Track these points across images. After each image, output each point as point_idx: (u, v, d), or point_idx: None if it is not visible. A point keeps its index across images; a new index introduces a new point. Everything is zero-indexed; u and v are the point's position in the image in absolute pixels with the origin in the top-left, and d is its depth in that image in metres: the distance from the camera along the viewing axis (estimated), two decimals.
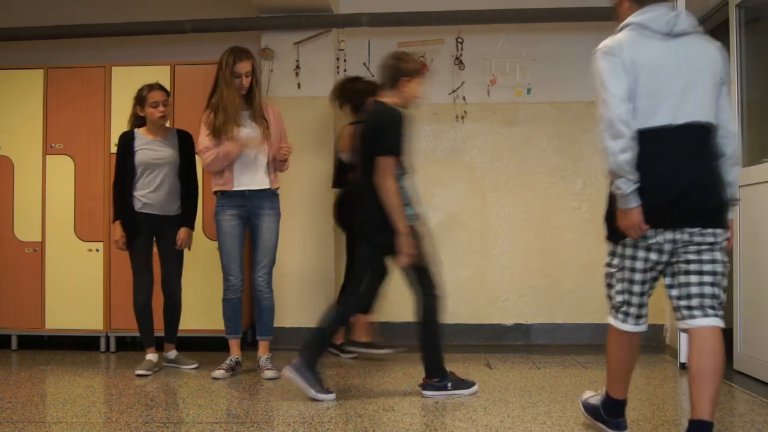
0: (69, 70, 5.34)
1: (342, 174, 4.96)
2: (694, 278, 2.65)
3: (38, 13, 6.01)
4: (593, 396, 3.11)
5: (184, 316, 5.14)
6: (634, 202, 2.62)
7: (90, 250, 5.24)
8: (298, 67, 5.46)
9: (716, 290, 2.65)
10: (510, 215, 5.68)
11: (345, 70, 5.54)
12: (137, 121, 4.58)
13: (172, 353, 4.69)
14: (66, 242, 5.25)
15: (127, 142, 4.53)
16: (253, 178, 4.37)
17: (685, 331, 2.69)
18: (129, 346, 5.53)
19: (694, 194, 2.62)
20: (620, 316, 2.81)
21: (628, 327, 2.81)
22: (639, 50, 2.66)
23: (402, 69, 3.82)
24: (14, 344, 5.34)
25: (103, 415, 3.54)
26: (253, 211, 4.39)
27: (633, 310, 2.78)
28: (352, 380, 4.30)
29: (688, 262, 2.65)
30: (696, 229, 2.62)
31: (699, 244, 2.64)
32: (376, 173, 3.66)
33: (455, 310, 5.30)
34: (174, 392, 4.03)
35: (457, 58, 5.52)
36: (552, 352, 5.21)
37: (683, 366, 4.49)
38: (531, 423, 3.29)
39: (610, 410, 2.95)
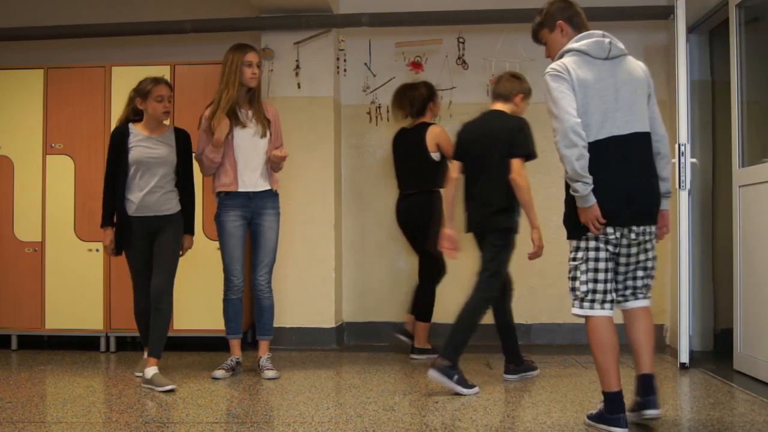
0: (69, 70, 5.34)
1: (434, 174, 4.95)
2: (639, 272, 3.17)
3: (38, 13, 6.01)
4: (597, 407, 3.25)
5: (184, 315, 5.16)
6: (593, 200, 3.03)
7: (90, 250, 5.24)
8: (298, 67, 5.46)
9: (650, 279, 3.20)
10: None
11: (345, 70, 5.54)
12: (134, 116, 4.25)
13: (151, 370, 4.04)
14: (66, 242, 5.25)
15: (120, 137, 4.17)
16: (256, 180, 4.37)
17: (624, 309, 3.20)
18: (129, 346, 5.53)
19: (637, 197, 3.10)
20: (586, 304, 3.13)
21: (598, 312, 3.10)
22: (584, 73, 3.09)
23: (521, 88, 4.29)
24: (14, 344, 5.34)
25: (103, 415, 3.54)
26: (256, 212, 4.39)
27: (599, 296, 3.10)
28: (352, 380, 4.30)
29: (630, 255, 3.14)
30: (640, 228, 3.10)
31: (640, 242, 3.12)
32: (511, 173, 4.02)
33: (455, 310, 5.30)
34: (174, 392, 4.03)
35: (459, 57, 5.51)
36: (552, 352, 5.21)
37: (683, 366, 4.49)
38: (531, 423, 3.29)
39: (611, 407, 3.08)
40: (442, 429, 3.19)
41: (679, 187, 4.56)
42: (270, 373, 4.31)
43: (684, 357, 4.51)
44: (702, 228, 5.16)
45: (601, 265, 3.10)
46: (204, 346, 5.24)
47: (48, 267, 5.26)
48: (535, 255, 4.14)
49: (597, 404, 3.24)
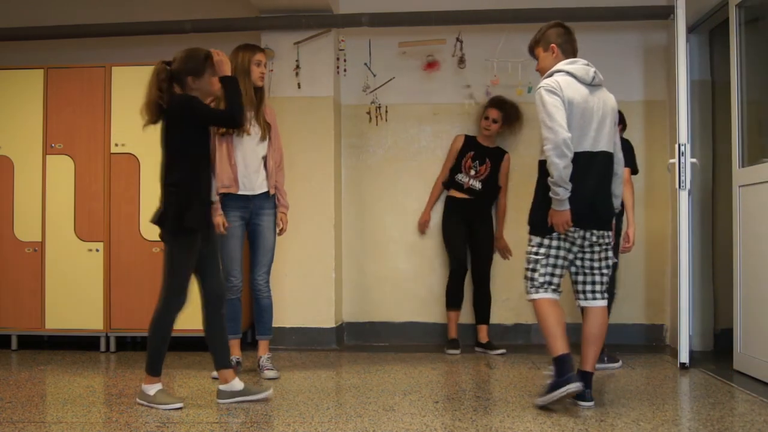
0: (69, 70, 5.34)
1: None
2: (597, 273, 3.62)
3: (38, 13, 6.01)
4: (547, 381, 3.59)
5: (184, 316, 5.16)
6: (567, 205, 3.47)
7: (90, 250, 5.23)
8: (298, 67, 5.46)
9: (606, 279, 3.65)
10: (510, 215, 5.67)
11: (345, 70, 5.54)
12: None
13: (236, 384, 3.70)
14: (66, 242, 5.25)
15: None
16: (255, 182, 4.35)
17: (582, 307, 3.67)
18: (129, 346, 5.53)
19: (599, 205, 3.58)
20: (541, 290, 3.60)
21: (551, 295, 3.60)
22: (573, 92, 3.52)
23: (623, 119, 4.69)
24: (14, 344, 5.34)
25: (103, 415, 3.54)
26: (254, 212, 4.39)
27: (552, 286, 3.61)
28: (352, 380, 4.30)
29: (592, 259, 3.61)
30: (599, 232, 3.57)
31: (599, 244, 3.59)
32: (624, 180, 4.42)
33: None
34: (174, 392, 4.03)
35: (459, 57, 5.51)
36: None
37: (683, 366, 4.49)
38: (531, 423, 3.29)
39: (561, 369, 3.46)
40: (442, 429, 3.19)
41: (679, 187, 4.56)
42: (270, 373, 4.31)
43: (684, 357, 4.51)
44: (702, 228, 5.16)
45: (560, 261, 3.59)
46: (204, 346, 5.22)
47: (48, 267, 5.26)
48: (628, 249, 4.70)
49: (547, 376, 3.61)
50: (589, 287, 3.65)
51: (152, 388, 3.61)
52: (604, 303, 3.65)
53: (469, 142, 5.47)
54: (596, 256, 3.61)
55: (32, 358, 5.06)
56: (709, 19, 4.91)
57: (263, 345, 4.48)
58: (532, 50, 3.82)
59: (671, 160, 4.63)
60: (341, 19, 5.48)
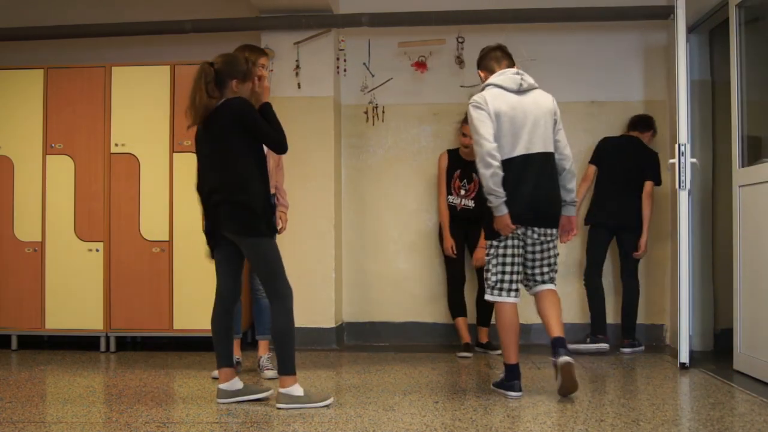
0: (69, 70, 5.34)
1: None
2: (545, 267, 3.90)
3: (38, 13, 6.01)
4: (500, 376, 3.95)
5: (184, 315, 5.18)
6: (504, 210, 3.71)
7: (90, 250, 5.23)
8: (298, 67, 5.46)
9: (553, 272, 3.94)
10: None
11: (345, 70, 5.54)
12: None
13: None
14: (66, 242, 5.25)
15: None
16: None
17: (534, 293, 3.95)
18: (129, 346, 5.53)
19: (540, 204, 3.79)
20: (495, 292, 3.82)
21: (505, 299, 3.81)
22: (500, 103, 3.77)
23: (651, 124, 5.38)
24: (14, 344, 5.34)
25: (103, 415, 3.54)
26: None
27: (506, 285, 3.81)
28: (351, 380, 4.30)
29: (535, 252, 3.87)
30: (542, 230, 3.82)
31: (543, 241, 3.85)
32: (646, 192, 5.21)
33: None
34: (174, 392, 4.03)
35: (457, 57, 5.51)
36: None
37: (683, 366, 4.49)
38: (531, 423, 3.29)
39: (509, 375, 3.81)
40: (442, 429, 3.19)
41: (679, 187, 4.56)
42: (270, 373, 4.31)
43: (684, 357, 4.51)
44: (702, 228, 5.16)
45: (508, 260, 3.81)
46: (204, 346, 5.24)
47: (48, 267, 5.26)
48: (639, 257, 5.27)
49: (500, 375, 3.95)
50: (538, 275, 3.91)
51: (299, 389, 3.56)
52: (551, 286, 3.92)
53: (454, 159, 5.39)
54: (537, 248, 3.86)
55: (32, 358, 5.06)
56: (709, 19, 4.91)
57: (263, 345, 4.49)
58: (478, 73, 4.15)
59: (671, 160, 4.63)
60: (341, 19, 5.48)
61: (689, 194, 4.61)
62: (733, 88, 4.45)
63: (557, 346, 3.75)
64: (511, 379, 3.80)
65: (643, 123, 5.35)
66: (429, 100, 5.72)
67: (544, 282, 3.91)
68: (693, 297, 4.86)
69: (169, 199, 5.19)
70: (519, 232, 3.78)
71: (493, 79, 3.88)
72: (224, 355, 3.71)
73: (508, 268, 3.81)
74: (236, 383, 3.69)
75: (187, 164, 5.16)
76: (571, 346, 4.99)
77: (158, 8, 5.91)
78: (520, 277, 3.85)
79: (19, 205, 5.30)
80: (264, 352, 4.46)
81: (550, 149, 3.85)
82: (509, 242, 3.80)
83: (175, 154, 5.20)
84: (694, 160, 4.60)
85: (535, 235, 3.81)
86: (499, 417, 3.39)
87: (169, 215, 5.19)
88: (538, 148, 3.79)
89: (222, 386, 3.67)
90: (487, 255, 3.87)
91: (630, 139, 5.32)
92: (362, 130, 5.76)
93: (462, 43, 5.49)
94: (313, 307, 5.39)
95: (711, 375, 4.31)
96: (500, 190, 3.69)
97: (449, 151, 5.46)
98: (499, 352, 5.14)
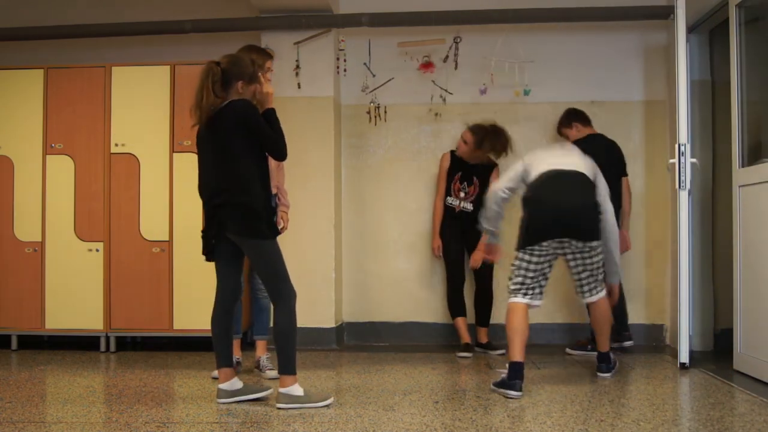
0: (69, 70, 5.34)
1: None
2: (582, 273, 4.14)
3: (38, 13, 6.01)
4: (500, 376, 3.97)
5: (185, 315, 5.18)
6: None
7: (90, 250, 5.23)
8: (298, 67, 5.46)
9: (599, 277, 4.18)
10: (510, 215, 5.67)
11: (345, 70, 5.54)
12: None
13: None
14: (66, 242, 5.25)
15: None
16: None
17: (586, 302, 4.26)
18: (129, 346, 5.53)
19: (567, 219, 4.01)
20: (512, 295, 4.04)
21: (521, 299, 4.01)
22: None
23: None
24: (14, 344, 5.34)
25: (103, 415, 3.54)
26: None
27: (522, 290, 4.02)
28: (352, 380, 4.30)
29: (573, 260, 4.11)
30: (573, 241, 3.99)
31: (576, 251, 4.04)
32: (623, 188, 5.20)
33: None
34: (174, 392, 4.03)
35: (454, 56, 5.51)
36: (552, 352, 5.21)
37: (683, 366, 4.49)
38: (531, 423, 3.29)
39: (512, 373, 3.83)
40: (442, 429, 3.19)
41: (679, 187, 4.56)
42: (271, 373, 4.31)
43: (684, 357, 4.51)
44: (702, 228, 5.16)
45: (531, 266, 4.01)
46: (204, 346, 5.23)
47: (48, 267, 5.26)
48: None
49: (500, 374, 3.99)
50: (585, 285, 4.19)
51: (298, 389, 3.56)
52: (600, 296, 4.21)
53: (456, 161, 5.41)
54: (569, 258, 4.12)
55: (32, 358, 5.06)
56: (709, 19, 4.91)
57: (261, 345, 4.49)
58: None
59: (671, 160, 4.63)
60: (341, 19, 5.48)
61: (689, 194, 4.61)
62: (733, 88, 4.45)
63: (601, 362, 4.32)
64: (512, 378, 3.82)
65: (583, 116, 5.30)
66: (429, 100, 5.71)
67: (592, 293, 4.20)
68: (693, 297, 4.85)
69: (169, 199, 5.19)
70: (542, 245, 3.97)
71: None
72: (224, 355, 3.71)
73: (529, 278, 4.00)
74: (236, 383, 3.69)
75: (187, 164, 5.18)
76: (576, 352, 5.17)
77: (158, 8, 5.91)
78: (537, 283, 4.03)
79: (19, 205, 5.30)
80: (263, 353, 4.46)
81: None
82: (535, 256, 3.99)
83: (175, 154, 5.20)
84: (694, 160, 4.60)
85: (565, 245, 4.00)
86: (499, 417, 3.39)
87: (169, 215, 5.19)
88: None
89: (222, 386, 3.67)
90: (512, 264, 4.07)
91: (596, 137, 5.23)
92: (362, 130, 5.76)
93: (458, 43, 5.49)
94: (313, 307, 5.39)
95: (711, 375, 4.31)
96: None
97: (452, 152, 5.46)
98: (499, 352, 5.17)
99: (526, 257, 4.01)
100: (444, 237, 5.42)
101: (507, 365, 3.91)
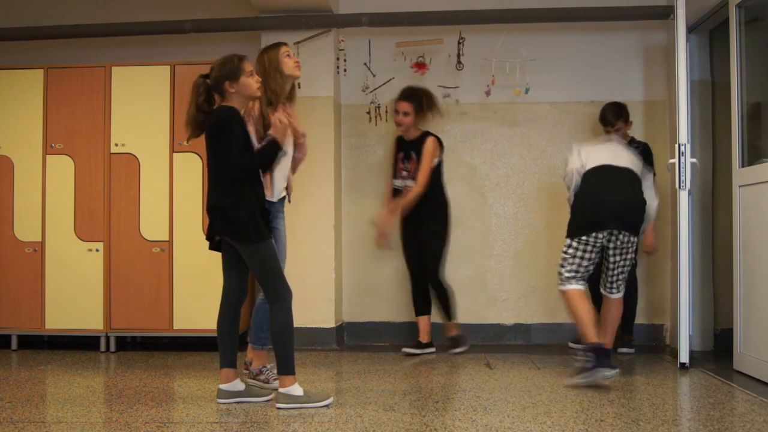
0: (69, 70, 5.34)
1: None
2: (617, 268, 4.28)
3: (38, 13, 6.01)
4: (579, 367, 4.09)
5: (184, 315, 5.18)
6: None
7: (90, 250, 5.24)
8: None
9: (623, 277, 4.34)
10: (510, 215, 5.68)
11: (345, 70, 5.54)
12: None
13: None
14: (66, 242, 5.25)
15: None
16: (282, 189, 4.20)
17: (606, 296, 4.39)
18: (129, 346, 5.53)
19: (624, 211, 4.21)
20: (566, 283, 4.22)
21: (574, 285, 4.22)
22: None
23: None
24: (14, 344, 5.34)
25: (103, 415, 3.54)
26: (274, 215, 4.13)
27: (577, 277, 4.22)
28: (352, 380, 4.30)
29: (614, 254, 4.25)
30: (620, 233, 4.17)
31: (621, 245, 4.20)
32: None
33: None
34: (174, 392, 4.03)
35: (457, 56, 5.51)
36: (552, 352, 5.21)
37: (683, 366, 4.49)
38: (531, 423, 3.29)
39: (595, 357, 3.98)
40: (442, 429, 3.19)
41: (679, 187, 4.56)
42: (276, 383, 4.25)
43: (684, 357, 4.51)
44: (702, 228, 5.16)
45: (587, 255, 4.20)
46: (204, 346, 5.24)
47: (48, 267, 5.26)
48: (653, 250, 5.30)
49: (575, 362, 4.29)
50: (614, 281, 4.35)
51: (298, 388, 3.55)
52: (620, 295, 4.37)
53: (398, 142, 5.33)
54: (617, 252, 4.24)
55: (32, 358, 5.06)
56: (709, 19, 4.91)
57: (263, 354, 4.42)
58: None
59: (671, 160, 4.63)
60: (341, 19, 5.48)
61: (689, 194, 4.61)
62: (733, 88, 4.45)
63: (600, 356, 4.15)
64: (599, 362, 3.97)
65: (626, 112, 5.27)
66: None
67: (613, 290, 4.36)
68: (693, 297, 4.85)
69: (169, 199, 5.19)
70: (595, 236, 4.17)
71: None
72: (227, 355, 3.71)
73: (583, 266, 4.21)
74: (237, 384, 3.68)
75: (187, 164, 5.20)
76: (578, 346, 5.06)
77: (158, 8, 5.91)
78: (589, 271, 4.25)
79: (19, 205, 5.30)
80: (265, 362, 4.39)
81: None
82: (588, 244, 4.18)
83: (175, 154, 5.20)
84: (694, 160, 4.60)
85: (614, 237, 4.17)
86: (499, 417, 3.39)
87: (169, 215, 5.19)
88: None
89: (223, 386, 3.67)
90: (563, 252, 4.25)
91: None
92: (362, 130, 5.76)
93: (461, 43, 5.48)
94: (313, 307, 5.39)
95: (711, 375, 4.31)
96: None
97: (398, 136, 5.35)
98: (458, 350, 5.11)
99: (581, 246, 4.20)
100: (398, 229, 5.30)
101: (582, 354, 4.11)
